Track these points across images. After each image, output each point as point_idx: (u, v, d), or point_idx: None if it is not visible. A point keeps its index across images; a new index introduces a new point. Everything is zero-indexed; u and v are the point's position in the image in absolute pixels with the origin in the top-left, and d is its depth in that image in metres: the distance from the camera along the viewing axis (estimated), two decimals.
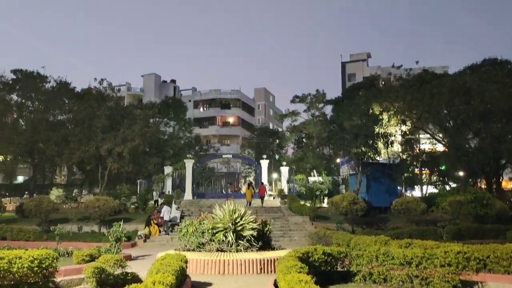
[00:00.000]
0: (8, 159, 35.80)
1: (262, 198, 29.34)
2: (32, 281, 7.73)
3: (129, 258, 13.59)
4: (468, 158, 28.64)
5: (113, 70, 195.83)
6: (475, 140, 30.82)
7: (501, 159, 29.89)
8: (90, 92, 34.03)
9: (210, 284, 9.18)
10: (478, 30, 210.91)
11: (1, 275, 7.20)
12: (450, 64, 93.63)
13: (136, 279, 8.70)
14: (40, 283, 7.86)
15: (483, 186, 31.10)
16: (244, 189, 35.93)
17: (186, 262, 8.56)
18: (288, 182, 35.85)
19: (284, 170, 36.94)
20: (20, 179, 50.96)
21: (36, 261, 7.62)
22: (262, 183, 32.37)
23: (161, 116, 44.49)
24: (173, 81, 75.42)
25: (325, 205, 30.20)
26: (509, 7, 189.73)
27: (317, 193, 32.16)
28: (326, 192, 33.06)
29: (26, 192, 37.75)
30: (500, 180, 31.75)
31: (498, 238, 18.80)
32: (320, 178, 35.91)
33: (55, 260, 8.09)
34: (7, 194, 40.24)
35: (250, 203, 27.63)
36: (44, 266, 7.76)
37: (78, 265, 10.51)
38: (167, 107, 46.00)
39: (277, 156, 53.57)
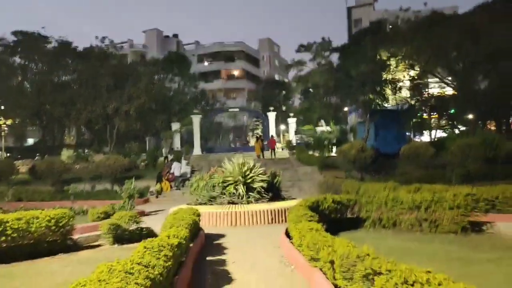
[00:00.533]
0: (16, 122, 36.07)
1: (272, 150, 29.52)
2: (50, 239, 7.99)
3: (142, 213, 13.89)
4: (477, 101, 28.30)
5: (114, 27, 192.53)
6: (484, 82, 30.30)
7: (510, 100, 29.49)
8: (93, 51, 33.75)
9: (223, 235, 9.39)
10: None
11: (20, 235, 7.43)
12: (460, 4, 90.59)
13: (151, 233, 8.93)
14: (59, 241, 8.13)
15: (492, 128, 30.91)
16: (252, 142, 36.15)
17: (198, 215, 8.72)
18: (296, 133, 35.93)
19: (292, 121, 36.93)
20: (30, 141, 51.58)
21: (53, 220, 7.84)
22: (272, 136, 32.46)
23: (166, 72, 44.08)
24: (176, 35, 74.18)
25: (333, 154, 30.34)
26: None
27: (325, 142, 32.23)
28: (334, 141, 33.15)
29: (37, 154, 38.32)
30: (510, 121, 31.49)
31: (508, 179, 18.83)
32: (328, 128, 35.90)
33: (71, 219, 8.32)
34: (19, 156, 40.91)
35: (259, 156, 27.86)
36: (61, 224, 7.99)
37: (94, 222, 10.77)
38: (170, 62, 45.42)
39: (284, 108, 53.33)
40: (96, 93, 30.83)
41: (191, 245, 6.63)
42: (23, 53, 36.38)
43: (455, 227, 8.27)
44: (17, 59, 37.30)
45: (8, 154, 41.13)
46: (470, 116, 31.39)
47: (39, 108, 34.28)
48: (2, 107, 33.22)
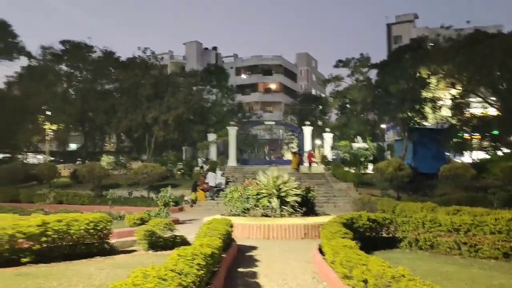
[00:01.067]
0: (61, 127, 37.51)
1: (310, 164, 29.44)
2: (88, 242, 8.23)
3: (177, 222, 14.09)
4: None
5: (155, 39, 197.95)
6: None
7: None
8: (135, 61, 34.77)
9: (255, 247, 9.40)
10: None
11: (60, 236, 7.70)
12: (504, 23, 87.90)
13: (184, 241, 9.05)
14: (96, 244, 8.35)
15: None
16: (288, 156, 36.09)
17: (231, 226, 8.78)
18: (331, 148, 35.59)
19: (328, 136, 36.64)
20: (73, 146, 53.45)
21: (91, 224, 8.08)
22: (310, 150, 32.40)
23: (204, 84, 44.81)
24: (215, 48, 75.43)
25: (369, 171, 29.84)
26: None
27: (361, 159, 31.74)
28: (371, 158, 32.60)
29: (78, 159, 39.63)
30: None
31: None
32: (365, 144, 35.37)
33: (109, 223, 8.55)
34: (61, 160, 42.44)
35: (296, 169, 27.90)
36: (99, 228, 8.22)
37: (130, 228, 11.01)
38: (209, 74, 46.21)
39: (320, 123, 52.94)
40: (137, 102, 31.71)
41: (223, 255, 6.68)
42: (69, 62, 37.92)
43: (496, 252, 7.96)
44: (64, 67, 38.90)
45: (51, 158, 42.75)
46: None
47: (82, 115, 35.57)
48: (48, 113, 34.65)
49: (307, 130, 34.87)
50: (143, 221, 11.56)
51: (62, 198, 21.47)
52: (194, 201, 21.84)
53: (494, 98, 31.01)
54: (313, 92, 69.68)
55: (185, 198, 22.12)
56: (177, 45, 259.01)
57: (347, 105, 47.04)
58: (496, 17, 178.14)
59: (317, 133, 44.44)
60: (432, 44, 35.97)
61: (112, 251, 8.71)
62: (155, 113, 30.28)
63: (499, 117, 29.80)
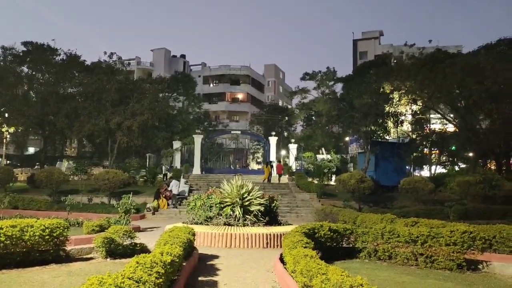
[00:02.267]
0: (19, 130, 36.16)
1: (279, 175, 29.66)
2: (43, 249, 7.94)
3: (137, 229, 13.81)
4: (478, 139, 28.39)
5: (123, 44, 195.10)
6: (486, 121, 30.46)
7: (511, 140, 29.59)
8: (100, 65, 34.06)
9: (217, 256, 9.33)
10: (493, 10, 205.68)
11: (14, 243, 7.40)
12: (464, 44, 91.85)
13: (144, 249, 8.89)
14: (51, 251, 8.08)
15: (492, 167, 30.89)
16: (252, 165, 36.21)
17: (193, 234, 8.69)
18: (296, 159, 35.94)
19: (293, 147, 37.01)
20: (31, 150, 51.64)
21: (47, 230, 7.81)
22: (280, 162, 32.66)
23: (171, 91, 44.51)
24: (183, 56, 75.03)
25: (332, 182, 30.29)
26: None
27: (325, 170, 32.22)
28: (334, 170, 33.15)
29: (37, 163, 38.28)
30: (510, 161, 31.49)
31: (505, 219, 18.77)
32: (329, 156, 35.95)
33: (65, 229, 8.29)
34: (18, 164, 40.87)
35: (267, 180, 28.35)
36: (55, 234, 7.96)
37: (88, 235, 10.70)
38: (176, 82, 45.95)
39: (286, 133, 53.54)
40: (101, 107, 30.99)
41: (184, 264, 6.59)
42: (31, 63, 36.68)
43: (450, 263, 8.23)
44: (25, 69, 37.57)
45: (8, 162, 41.11)
46: (471, 154, 31.44)
47: (42, 118, 34.40)
48: (6, 115, 33.30)
49: (273, 141, 35.10)
50: (102, 228, 11.26)
51: (18, 203, 20.62)
52: (156, 209, 21.48)
53: (452, 115, 32.23)
54: (280, 103, 70.37)
55: (147, 205, 21.73)
56: (145, 52, 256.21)
57: (313, 117, 47.79)
58: (457, 36, 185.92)
59: (283, 144, 44.85)
60: (396, 61, 37.16)
61: (68, 258, 8.46)
62: (119, 118, 29.68)
63: (457, 134, 30.96)
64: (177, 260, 5.52)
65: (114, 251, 8.71)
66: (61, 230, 8.10)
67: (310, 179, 29.40)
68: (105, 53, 34.29)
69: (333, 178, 31.21)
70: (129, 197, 14.28)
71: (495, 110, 28.84)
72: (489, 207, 21.03)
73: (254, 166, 52.47)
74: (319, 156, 38.28)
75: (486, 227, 9.44)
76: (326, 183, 30.04)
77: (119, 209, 13.63)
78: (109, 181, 22.70)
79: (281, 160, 35.33)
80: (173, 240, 6.84)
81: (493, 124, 28.79)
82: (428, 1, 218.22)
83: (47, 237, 7.83)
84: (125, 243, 9.02)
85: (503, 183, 23.20)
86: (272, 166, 30.32)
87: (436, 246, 8.43)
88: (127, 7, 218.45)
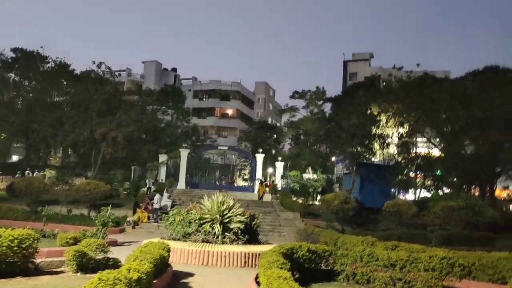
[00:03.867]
0: (2, 137, 35.60)
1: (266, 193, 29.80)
2: (11, 260, 7.64)
3: (114, 243, 13.49)
4: (463, 165, 28.62)
5: (115, 55, 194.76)
6: (471, 147, 30.75)
7: (496, 167, 29.86)
8: (89, 75, 33.88)
9: (192, 274, 9.09)
10: (482, 37, 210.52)
11: None
12: (452, 69, 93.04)
13: (117, 264, 8.60)
14: (19, 263, 7.77)
15: (476, 193, 31.08)
16: (239, 182, 36.03)
17: (168, 250, 8.46)
18: (282, 177, 35.81)
19: (279, 165, 36.90)
20: (15, 158, 50.77)
21: (16, 241, 7.52)
22: (273, 181, 32.76)
23: (160, 104, 44.32)
24: (174, 69, 75.06)
25: (317, 202, 30.16)
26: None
27: (310, 190, 32.10)
28: (320, 189, 33.03)
29: (18, 172, 37.61)
30: (494, 188, 31.74)
31: (488, 246, 18.76)
32: (315, 176, 35.86)
33: (36, 241, 7.99)
34: (0, 172, 40.08)
35: (261, 198, 28.80)
36: (24, 246, 7.66)
37: (62, 247, 10.39)
38: (166, 95, 45.77)
39: (273, 151, 53.44)
40: (87, 117, 30.71)
41: (155, 281, 6.36)
42: (19, 70, 36.36)
43: None
44: (12, 75, 37.21)
45: None
46: (455, 179, 31.62)
47: (27, 125, 33.95)
48: None
49: (260, 158, 34.96)
50: (76, 241, 10.94)
51: None
52: (136, 223, 21.11)
53: (438, 140, 32.52)
54: (269, 120, 70.50)
55: (128, 219, 21.35)
56: (137, 64, 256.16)
57: (301, 136, 47.86)
58: (446, 62, 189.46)
59: (270, 161, 44.72)
60: (385, 83, 37.54)
61: (37, 271, 8.15)
62: (104, 129, 29.40)
63: (442, 159, 31.19)
64: (145, 277, 5.31)
65: (86, 265, 8.43)
66: (31, 242, 7.81)
67: (295, 198, 29.26)
68: (94, 62, 34.08)
69: (318, 198, 31.11)
70: (108, 209, 13.99)
71: (481, 136, 29.15)
72: (471, 233, 21.04)
73: (240, 182, 52.18)
74: (306, 175, 38.21)
75: (465, 253, 9.37)
76: (310, 202, 29.91)
77: (96, 221, 13.33)
78: (90, 192, 22.30)
79: (267, 178, 35.21)
80: (144, 256, 6.62)
81: (479, 150, 29.07)
82: (418, 25, 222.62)
83: (15, 248, 7.53)
84: (97, 257, 8.74)
85: (486, 209, 23.31)
86: (267, 185, 30.59)
87: (415, 271, 8.30)
88: (121, 19, 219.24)
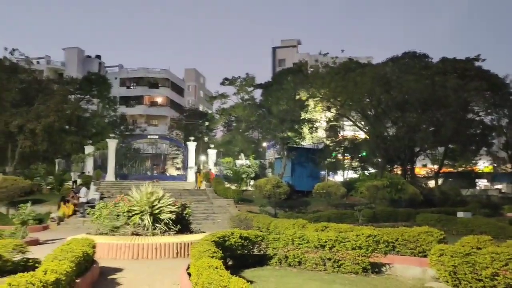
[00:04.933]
0: None
1: (209, 183, 29.53)
2: None
3: (35, 242, 12.65)
4: (386, 145, 30.15)
5: (33, 43, 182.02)
6: (393, 128, 32.43)
7: (415, 147, 31.79)
8: (1, 63, 31.16)
9: (120, 269, 8.73)
10: (403, 25, 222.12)
11: None
12: (374, 56, 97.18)
13: (36, 266, 8.04)
14: None
15: (398, 172, 32.95)
16: (171, 171, 35.36)
17: (93, 247, 8.03)
18: (215, 164, 35.63)
19: (212, 152, 36.67)
20: None
21: None
22: (210, 169, 32.45)
23: (83, 93, 42.05)
24: (98, 56, 71.54)
25: (251, 188, 30.38)
26: (430, 5, 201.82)
27: (243, 176, 32.25)
28: (253, 175, 33.27)
29: None
30: (414, 166, 33.82)
31: (409, 221, 20.02)
32: (248, 162, 36.06)
33: None
34: None
35: (199, 187, 28.78)
36: None
37: None
38: (89, 83, 43.51)
39: (206, 139, 52.98)
40: (0, 108, 28.31)
41: (77, 280, 5.98)
42: None
43: (356, 267, 8.40)
44: None
45: None
46: (379, 160, 33.25)
47: None
48: None
49: (192, 146, 34.51)
50: None
51: None
52: (61, 219, 19.98)
53: (363, 123, 33.93)
54: (201, 108, 69.72)
55: (52, 215, 20.12)
56: (58, 51, 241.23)
57: (233, 123, 47.80)
58: (369, 47, 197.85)
59: (203, 149, 44.27)
60: (312, 69, 38.39)
61: None
62: (20, 120, 27.30)
63: (367, 140, 32.62)
64: (64, 278, 4.94)
65: (3, 268, 7.79)
66: None
67: (228, 185, 29.25)
68: (6, 49, 31.40)
69: (252, 183, 31.35)
70: (27, 206, 13.07)
71: (400, 118, 30.83)
72: (395, 210, 22.34)
73: (173, 171, 51.29)
74: (238, 162, 38.30)
75: (389, 230, 9.81)
76: (244, 188, 30.06)
77: (14, 220, 12.39)
78: (7, 189, 20.65)
79: (200, 166, 34.89)
80: (65, 254, 6.20)
81: (399, 131, 30.74)
82: (343, 13, 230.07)
83: None
84: (15, 259, 8.10)
85: (407, 187, 24.81)
86: (201, 173, 30.39)
87: (343, 250, 8.58)
88: (39, 6, 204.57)
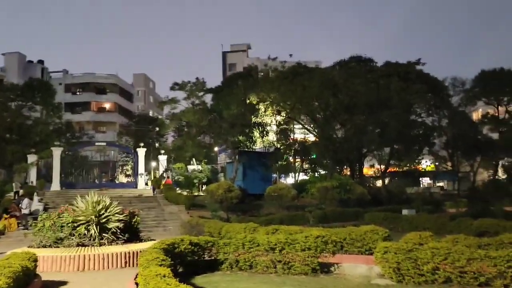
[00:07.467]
0: None
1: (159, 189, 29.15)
2: None
3: None
4: (335, 147, 30.91)
5: None
6: (341, 130, 33.33)
7: (363, 148, 32.80)
8: None
9: (65, 282, 8.40)
10: (352, 29, 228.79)
11: None
12: (324, 59, 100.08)
13: None
14: None
15: (348, 173, 33.85)
16: (121, 178, 34.46)
17: (34, 260, 7.68)
18: (166, 170, 35.11)
19: (162, 158, 36.12)
20: None
21: None
22: (168, 177, 31.94)
23: (25, 99, 40.15)
24: (41, 61, 68.58)
25: (203, 193, 30.16)
26: (381, 10, 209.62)
27: (195, 181, 32.01)
28: (205, 180, 33.10)
29: None
30: (362, 167, 34.86)
31: (358, 220, 20.58)
32: (199, 167, 35.83)
33: None
34: None
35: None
36: None
37: None
38: (32, 89, 41.57)
39: (157, 145, 52.11)
40: None
41: None
42: None
43: (306, 268, 8.54)
44: None
45: None
46: (329, 161, 34.02)
47: None
48: None
49: (141, 152, 33.75)
50: None
51: None
52: (2, 232, 18.94)
53: (312, 126, 34.65)
54: (151, 113, 68.50)
55: None
56: None
57: (184, 128, 47.32)
58: (318, 52, 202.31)
59: (154, 155, 43.49)
60: (262, 74, 38.77)
61: None
62: None
63: (316, 143, 33.32)
64: None
65: None
66: None
67: (180, 191, 28.91)
68: None
69: (204, 188, 31.16)
70: None
71: (348, 120, 31.75)
72: (344, 210, 22.89)
73: (123, 179, 49.98)
74: (190, 167, 37.96)
75: (337, 230, 10.07)
76: (196, 194, 29.82)
77: None
78: None
79: (151, 172, 34.27)
80: (1, 270, 5.88)
81: (347, 133, 31.64)
82: (291, 18, 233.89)
83: None
84: None
85: (356, 187, 25.53)
86: (157, 180, 29.99)
87: (293, 252, 8.70)
88: None
